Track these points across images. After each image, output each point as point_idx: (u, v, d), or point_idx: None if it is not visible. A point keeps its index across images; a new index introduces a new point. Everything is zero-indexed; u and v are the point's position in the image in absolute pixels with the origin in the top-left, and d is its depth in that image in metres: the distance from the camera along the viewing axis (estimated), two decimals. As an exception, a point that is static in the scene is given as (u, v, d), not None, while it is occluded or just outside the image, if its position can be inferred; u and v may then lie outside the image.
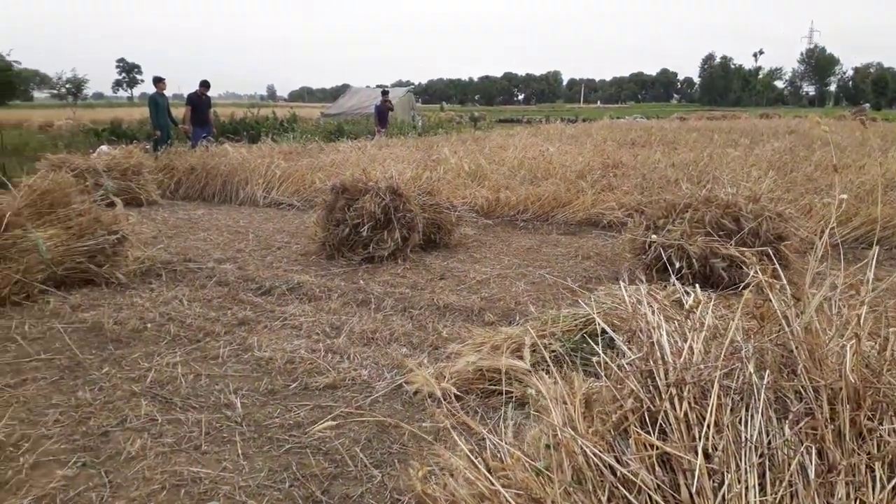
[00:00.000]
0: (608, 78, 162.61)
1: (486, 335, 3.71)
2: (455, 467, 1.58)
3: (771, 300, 1.73)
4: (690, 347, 1.58)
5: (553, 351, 3.19)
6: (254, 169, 9.84)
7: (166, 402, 3.13)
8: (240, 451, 2.70)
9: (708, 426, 1.39)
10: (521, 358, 3.11)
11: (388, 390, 3.28)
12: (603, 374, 1.71)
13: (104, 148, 11.95)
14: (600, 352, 1.74)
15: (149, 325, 4.12)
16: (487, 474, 1.44)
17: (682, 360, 1.54)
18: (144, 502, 2.36)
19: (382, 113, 18.63)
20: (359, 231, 5.84)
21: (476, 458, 1.48)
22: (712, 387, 1.45)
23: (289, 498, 2.40)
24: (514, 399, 3.05)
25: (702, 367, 1.51)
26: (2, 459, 2.62)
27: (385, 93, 19.98)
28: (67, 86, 26.27)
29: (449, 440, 2.51)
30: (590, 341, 3.38)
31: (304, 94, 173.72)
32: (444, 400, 2.84)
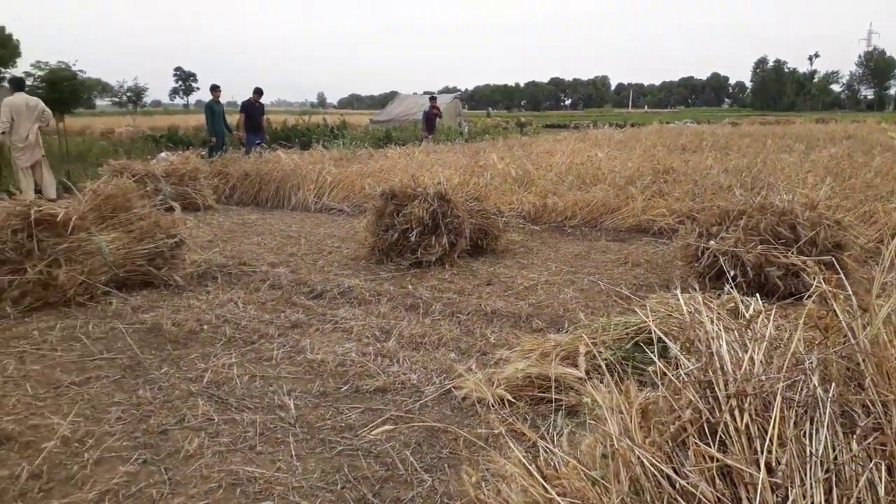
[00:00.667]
0: (657, 82, 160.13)
1: (534, 342, 3.69)
2: (510, 474, 1.58)
3: (835, 311, 1.68)
4: (751, 358, 1.55)
5: (604, 359, 3.15)
6: (305, 175, 10.02)
7: (222, 402, 3.21)
8: (293, 452, 2.75)
9: (770, 439, 1.36)
10: (572, 365, 3.09)
11: (437, 395, 3.29)
12: (659, 383, 1.69)
13: (164, 155, 12.37)
14: (657, 361, 1.72)
15: (205, 327, 4.24)
16: (543, 482, 1.44)
17: (742, 371, 1.51)
18: (202, 500, 2.43)
19: (430, 119, 18.74)
20: (407, 236, 5.89)
21: (531, 465, 1.48)
22: (775, 399, 1.42)
23: (341, 499, 2.44)
24: (563, 407, 3.03)
25: (763, 378, 1.47)
26: (68, 455, 2.73)
27: (433, 99, 20.12)
28: (128, 94, 27.32)
29: (501, 446, 2.51)
30: (643, 350, 3.34)
31: (353, 101, 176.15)
32: (497, 406, 2.84)
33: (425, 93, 30.62)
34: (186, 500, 2.41)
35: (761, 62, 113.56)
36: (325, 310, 4.66)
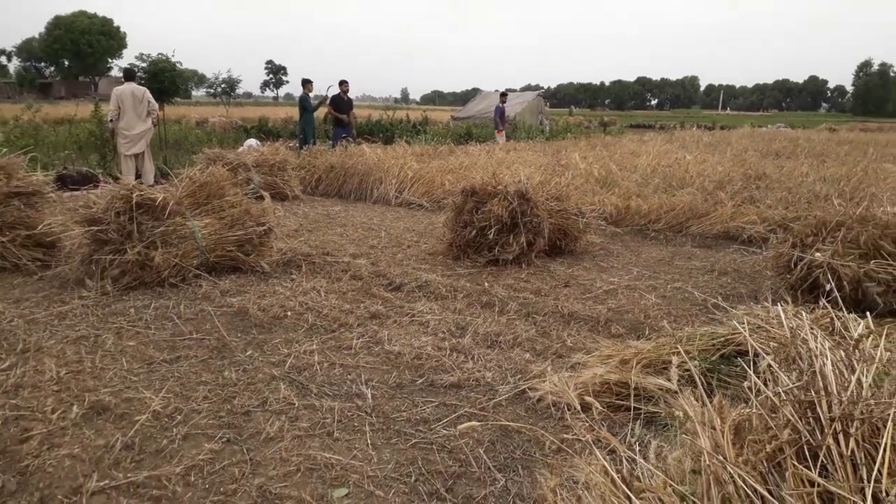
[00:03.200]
0: (749, 84, 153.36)
1: (613, 348, 3.61)
2: (592, 482, 1.55)
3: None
4: (859, 380, 1.45)
5: (687, 370, 3.04)
6: (387, 169, 10.17)
7: (303, 387, 3.30)
8: (369, 441, 2.80)
9: (879, 468, 1.27)
10: (654, 374, 3.00)
11: (512, 394, 3.27)
12: (754, 399, 1.61)
13: (251, 141, 12.82)
14: (752, 376, 1.64)
15: (289, 313, 4.38)
16: (628, 492, 1.40)
17: (849, 393, 1.41)
18: (281, 482, 2.50)
19: (501, 114, 18.66)
20: (485, 234, 5.88)
21: (617, 474, 1.44)
22: (884, 425, 1.32)
23: (414, 492, 2.46)
24: (642, 416, 2.95)
25: (872, 402, 1.38)
26: (158, 429, 2.87)
27: (504, 95, 20.04)
28: (223, 85, 28.53)
29: (581, 452, 2.46)
30: (730, 363, 3.21)
31: (435, 98, 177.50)
32: (578, 411, 2.79)
33: (507, 90, 30.46)
34: (266, 482, 2.49)
35: (865, 65, 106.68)
36: (402, 302, 4.71)
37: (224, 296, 4.75)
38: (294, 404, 3.11)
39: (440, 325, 4.24)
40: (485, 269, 5.72)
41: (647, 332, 4.12)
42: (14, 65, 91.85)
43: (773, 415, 1.50)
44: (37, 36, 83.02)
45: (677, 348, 3.05)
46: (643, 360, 3.31)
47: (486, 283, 5.23)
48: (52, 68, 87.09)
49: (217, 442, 2.77)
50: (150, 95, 10.06)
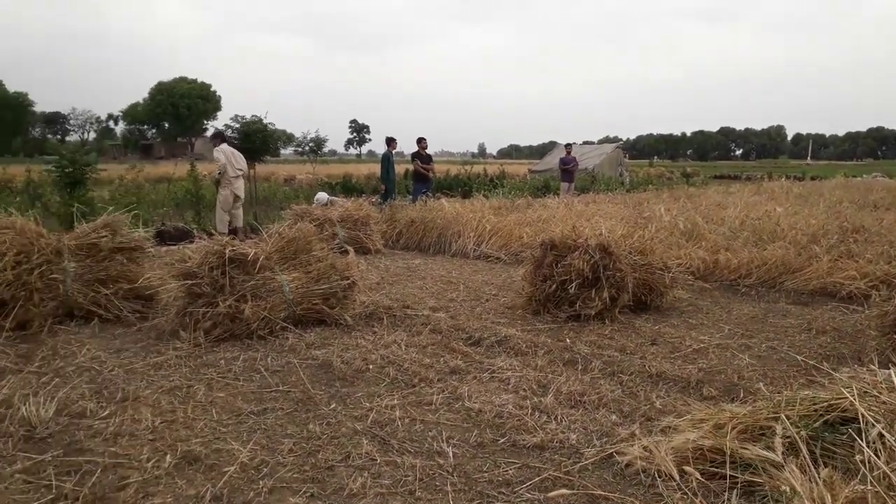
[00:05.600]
0: (840, 133, 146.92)
1: (706, 411, 3.43)
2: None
3: None
4: None
5: (788, 437, 2.85)
6: (466, 223, 10.28)
7: (384, 443, 3.30)
8: (451, 502, 2.75)
9: None
10: (751, 441, 2.83)
11: (598, 458, 3.15)
12: (868, 474, 1.49)
13: (321, 195, 13.31)
14: (864, 447, 1.52)
15: (371, 367, 4.42)
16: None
17: (983, 474, 1.28)
18: (363, 539, 2.48)
19: (568, 167, 18.58)
20: (566, 288, 5.79)
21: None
22: None
23: (497, 558, 2.39)
24: (738, 485, 2.77)
25: None
26: (245, 480, 2.93)
27: (569, 146, 20.06)
28: (310, 144, 29.95)
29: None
30: (834, 430, 2.98)
31: (511, 152, 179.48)
32: (670, 478, 2.66)
33: (584, 142, 30.44)
34: (349, 539, 2.48)
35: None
36: (482, 357, 4.68)
37: (309, 348, 4.86)
38: (376, 460, 3.11)
39: (521, 382, 4.17)
40: (566, 324, 5.62)
41: (741, 394, 3.91)
42: (120, 127, 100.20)
43: (892, 493, 1.37)
44: (141, 101, 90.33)
45: (777, 414, 2.87)
46: (739, 425, 3.12)
47: (567, 339, 5.13)
48: (154, 130, 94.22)
49: (302, 496, 2.79)
50: (241, 155, 11.18)
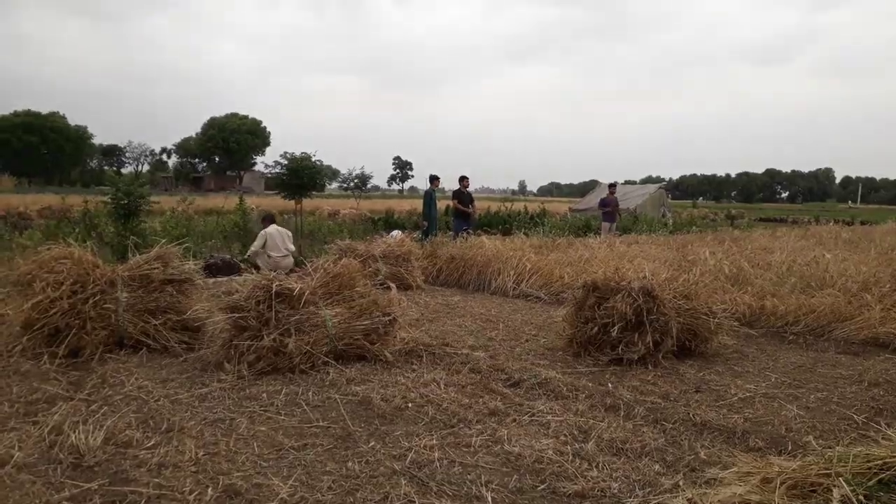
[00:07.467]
0: (891, 176, 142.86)
1: (754, 464, 3.32)
2: None
3: None
4: None
5: (843, 497, 2.74)
6: (506, 261, 10.29)
7: (423, 484, 3.29)
8: (489, 549, 2.72)
9: None
10: (801, 497, 2.73)
11: (641, 509, 3.08)
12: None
13: (395, 232, 13.49)
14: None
15: (410, 405, 4.43)
16: None
17: None
18: (401, 582, 2.47)
19: (609, 207, 18.55)
20: (608, 331, 5.73)
21: None
22: None
23: None
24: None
25: None
26: (285, 515, 2.95)
27: (612, 186, 20.11)
28: (356, 180, 30.60)
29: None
30: (889, 490, 2.86)
31: (552, 189, 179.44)
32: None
33: (626, 181, 30.32)
34: (386, 581, 2.47)
35: None
36: (521, 400, 4.64)
37: (349, 384, 4.90)
38: (414, 502, 3.10)
39: (561, 426, 4.12)
40: (607, 368, 5.55)
41: (789, 447, 3.79)
42: (173, 161, 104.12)
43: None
44: (193, 135, 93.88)
45: (829, 470, 2.77)
46: (788, 480, 3.02)
47: (609, 384, 5.06)
48: (205, 164, 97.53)
49: (339, 535, 2.79)
50: (288, 231, 11.23)
